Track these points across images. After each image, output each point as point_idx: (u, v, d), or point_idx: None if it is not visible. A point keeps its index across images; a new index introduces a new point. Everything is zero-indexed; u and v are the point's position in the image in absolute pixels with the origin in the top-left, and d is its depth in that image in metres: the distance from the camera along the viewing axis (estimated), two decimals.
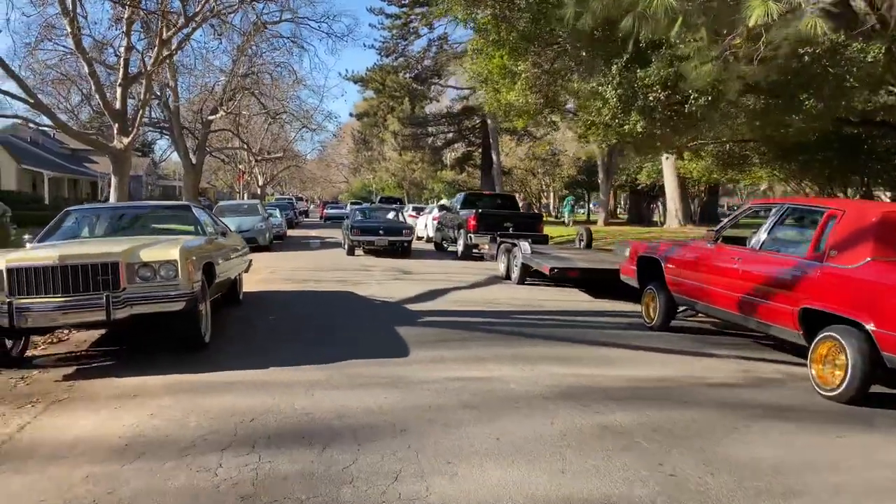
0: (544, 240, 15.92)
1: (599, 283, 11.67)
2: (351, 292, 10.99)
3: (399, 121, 44.76)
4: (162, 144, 69.97)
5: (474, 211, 17.35)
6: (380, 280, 12.71)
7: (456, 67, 35.73)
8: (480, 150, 45.73)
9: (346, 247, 18.27)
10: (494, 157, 39.12)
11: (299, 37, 36.63)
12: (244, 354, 6.49)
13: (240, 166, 53.87)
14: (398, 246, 17.72)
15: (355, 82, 39.39)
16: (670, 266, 7.75)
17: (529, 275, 12.31)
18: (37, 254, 6.05)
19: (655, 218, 49.26)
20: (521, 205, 20.76)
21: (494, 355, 6.40)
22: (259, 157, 43.21)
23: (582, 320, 8.80)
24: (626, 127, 11.86)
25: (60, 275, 5.76)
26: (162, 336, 6.95)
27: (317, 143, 63.31)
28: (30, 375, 5.94)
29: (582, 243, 15.84)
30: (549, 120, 16.56)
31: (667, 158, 30.21)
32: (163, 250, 6.20)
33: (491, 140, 39.59)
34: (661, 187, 39.76)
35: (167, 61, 31.14)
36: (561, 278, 11.08)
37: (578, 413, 4.68)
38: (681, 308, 8.01)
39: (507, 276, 12.98)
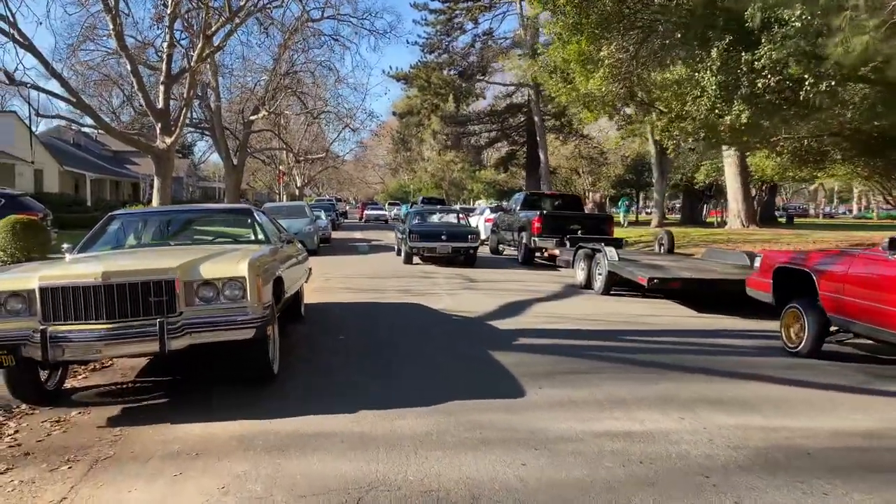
0: (617, 243, 14.58)
1: (698, 294, 10.35)
2: (420, 305, 9.82)
3: (442, 119, 43.66)
4: (202, 146, 70.06)
5: (538, 212, 16.07)
6: (447, 290, 11.52)
7: (504, 61, 34.46)
8: (524, 148, 44.39)
9: (402, 254, 16.37)
10: (542, 156, 37.76)
11: (341, 35, 35.79)
12: (323, 390, 5.33)
13: (280, 167, 53.33)
14: (462, 253, 15.69)
15: (398, 80, 38.37)
16: (827, 280, 6.38)
17: (615, 284, 11.01)
18: (76, 269, 4.97)
19: (710, 219, 47.39)
20: (589, 205, 19.31)
21: (634, 396, 5.14)
22: (301, 158, 42.41)
23: (704, 343, 7.46)
24: (726, 118, 10.48)
25: (105, 295, 4.66)
26: (221, 362, 5.84)
27: (355, 143, 62.54)
28: (68, 417, 4.86)
29: (663, 247, 14.45)
30: (623, 113, 15.12)
31: (728, 156, 28.61)
32: (227, 264, 5.07)
33: (538, 138, 38.24)
34: (717, 187, 38.01)
35: (210, 59, 30.62)
36: (659, 290, 9.76)
37: (808, 499, 3.40)
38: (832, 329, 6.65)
39: (588, 286, 11.69)
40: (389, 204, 66.30)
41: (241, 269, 4.95)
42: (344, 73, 71.96)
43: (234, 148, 35.37)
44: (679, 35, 10.67)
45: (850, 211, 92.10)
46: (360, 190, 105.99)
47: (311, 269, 9.41)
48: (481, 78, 39.02)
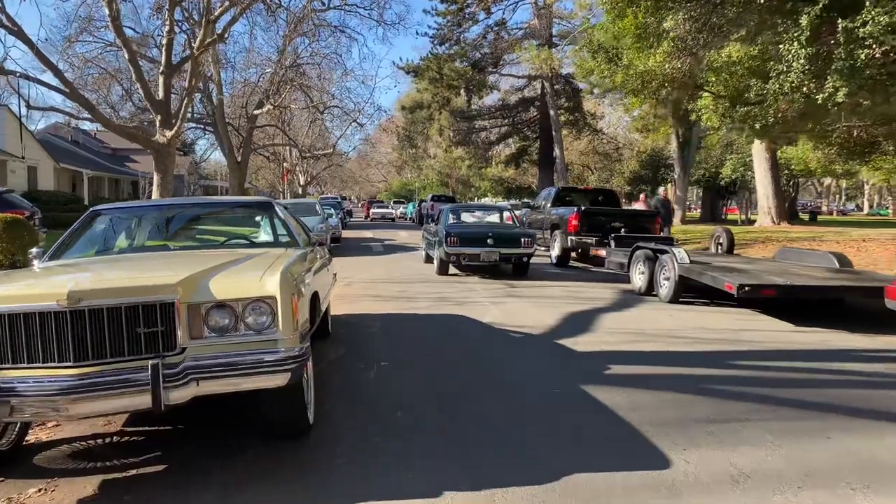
0: (670, 243, 13.07)
1: (783, 303, 8.88)
2: (463, 316, 8.32)
3: (451, 114, 42.16)
4: (203, 144, 68.58)
5: (575, 209, 14.57)
6: (487, 297, 10.03)
7: (520, 52, 32.92)
8: (536, 144, 42.87)
9: (433, 261, 13.13)
10: (557, 151, 36.27)
11: (347, 26, 34.31)
12: (379, 453, 3.84)
13: (284, 164, 51.83)
14: (513, 261, 12.47)
15: (408, 72, 36.79)
16: None
17: (685, 291, 9.52)
18: (34, 287, 3.49)
19: (730, 216, 45.89)
20: (640, 202, 17.67)
21: (819, 462, 3.65)
22: (306, 154, 40.91)
23: (847, 371, 5.95)
24: (818, 97, 8.98)
25: (73, 326, 3.19)
26: (238, 402, 4.37)
27: (359, 140, 60.95)
28: (23, 499, 3.38)
29: (721, 247, 12.94)
30: (670, 97, 13.59)
31: (757, 149, 27.11)
32: (250, 279, 3.58)
33: (553, 132, 36.76)
34: (742, 183, 36.49)
35: (213, 49, 29.14)
36: (749, 298, 8.26)
37: None
38: None
39: (649, 292, 10.20)
40: (394, 202, 64.80)
41: (271, 286, 3.47)
42: (351, 65, 70.15)
43: (238, 144, 33.94)
44: (762, 1, 9.15)
45: (860, 208, 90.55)
46: (363, 188, 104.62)
47: (335, 275, 7.92)
48: (493, 70, 37.47)
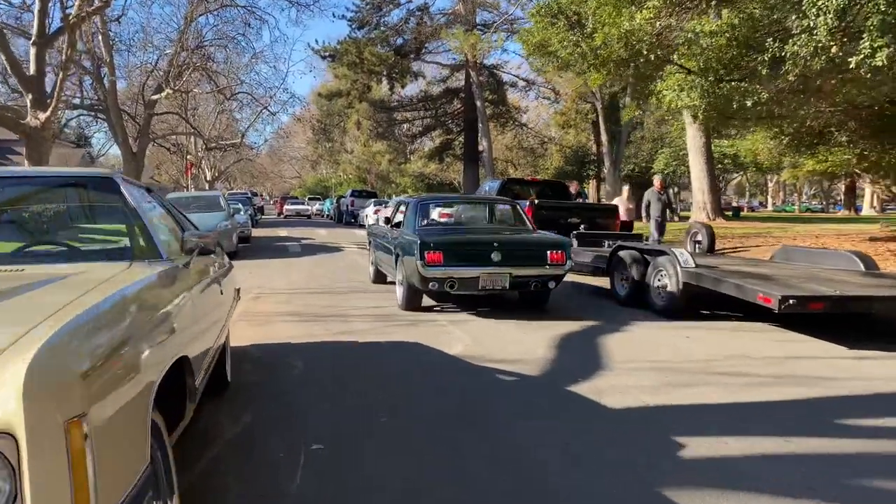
0: (637, 240, 11.25)
1: (810, 318, 7.08)
2: (423, 346, 6.07)
3: (371, 105, 39.61)
4: (101, 138, 63.24)
5: (527, 203, 12.56)
6: (445, 313, 7.82)
7: (448, 37, 30.75)
8: (461, 137, 40.91)
9: (398, 289, 8.14)
10: (485, 144, 34.40)
11: (257, 6, 31.26)
12: None
13: (188, 157, 47.84)
14: (534, 287, 7.58)
15: (325, 56, 33.91)
16: None
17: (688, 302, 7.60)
18: None
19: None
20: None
21: None
22: (212, 145, 37.47)
23: None
24: (851, 60, 7.23)
25: None
26: None
27: (271, 134, 57.54)
28: None
29: (699, 246, 11.21)
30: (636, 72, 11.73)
31: (693, 141, 26.03)
32: None
33: (479, 124, 34.86)
34: (671, 178, 35.71)
35: (102, 23, 25.67)
36: (791, 313, 6.35)
37: None
38: None
39: (634, 302, 8.25)
40: (309, 199, 61.68)
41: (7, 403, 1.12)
42: (261, 46, 65.82)
43: (135, 134, 30.42)
44: None
45: (763, 204, 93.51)
46: (276, 185, 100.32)
47: (238, 291, 5.52)
48: (417, 57, 35.16)
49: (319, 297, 9.24)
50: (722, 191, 35.30)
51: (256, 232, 25.45)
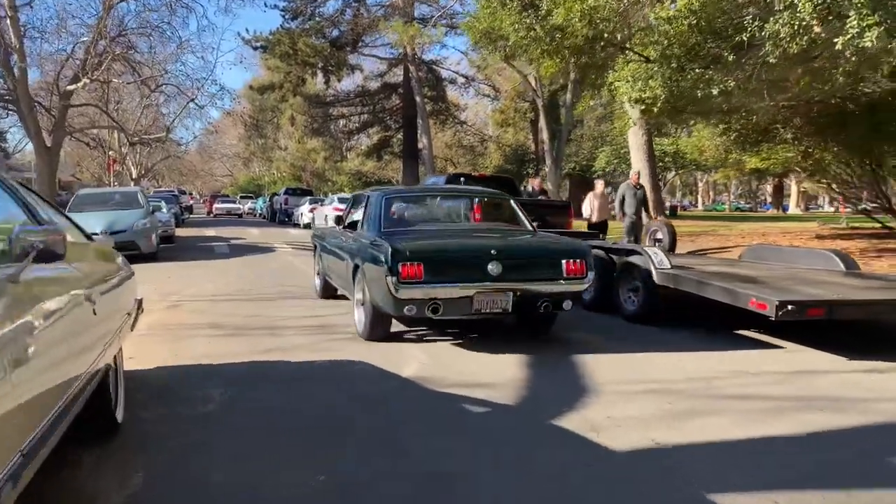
0: (596, 238, 10.49)
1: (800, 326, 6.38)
2: (372, 367, 5.06)
3: (306, 99, 38.12)
4: (17, 132, 59.39)
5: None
6: (393, 326, 6.81)
7: (385, 29, 29.60)
8: (400, 134, 39.88)
9: (357, 312, 6.15)
10: (425, 141, 33.46)
11: None
12: None
13: (110, 153, 45.18)
14: (544, 307, 5.56)
15: (256, 47, 32.25)
16: None
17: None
18: None
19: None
20: (532, 190, 15.08)
21: None
22: (135, 140, 35.30)
23: None
24: (839, 40, 6.57)
25: None
26: None
27: (200, 130, 55.05)
28: None
29: (660, 245, 10.52)
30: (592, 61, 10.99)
31: (635, 139, 25.77)
32: None
33: (420, 120, 33.90)
34: (610, 177, 35.50)
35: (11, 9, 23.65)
36: (788, 320, 5.60)
37: None
38: None
39: (599, 307, 7.44)
40: (241, 197, 59.51)
41: None
42: (187, 35, 62.44)
43: (50, 127, 28.23)
44: None
45: (694, 204, 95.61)
46: (207, 183, 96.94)
47: (140, 303, 4.39)
48: (354, 50, 33.89)
49: (247, 305, 8.10)
50: (662, 189, 35.31)
51: (182, 231, 23.84)
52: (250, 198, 58.99)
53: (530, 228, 6.63)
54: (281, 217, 32.96)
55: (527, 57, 12.38)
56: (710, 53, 9.54)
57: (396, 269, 5.19)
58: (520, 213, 6.82)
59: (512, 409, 4.05)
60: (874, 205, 20.30)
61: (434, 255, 5.47)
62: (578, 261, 5.63)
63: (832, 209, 58.59)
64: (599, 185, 12.95)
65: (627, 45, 10.88)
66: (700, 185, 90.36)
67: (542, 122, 32.11)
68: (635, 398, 4.22)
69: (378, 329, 5.88)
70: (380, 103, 39.68)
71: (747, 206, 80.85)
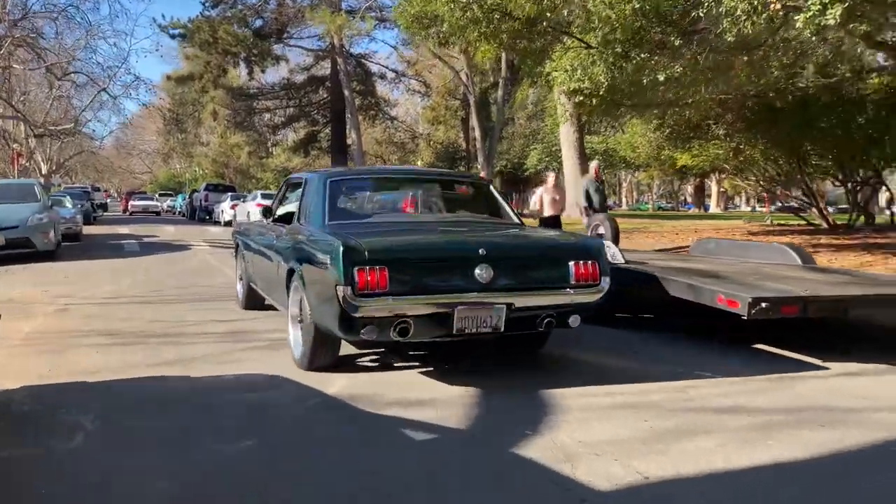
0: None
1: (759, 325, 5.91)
2: (288, 380, 4.25)
3: (228, 92, 36.47)
4: None
5: (410, 194, 10.88)
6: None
7: (313, 17, 28.40)
8: (328, 129, 38.70)
9: (294, 333, 4.70)
10: (354, 136, 32.44)
11: None
12: None
13: (15, 146, 42.17)
14: (545, 324, 4.24)
15: (173, 36, 30.50)
16: None
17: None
18: None
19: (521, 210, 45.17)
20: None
21: None
22: (39, 131, 32.91)
23: None
24: (798, 18, 6.13)
25: None
26: None
27: (120, 121, 52.26)
28: None
29: (602, 240, 9.99)
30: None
31: (566, 136, 25.61)
32: None
33: (349, 115, 32.87)
34: (542, 174, 35.38)
35: None
36: (759, 319, 5.08)
37: None
38: None
39: None
40: (161, 194, 56.93)
41: None
42: (97, 19, 58.67)
43: None
44: None
45: (618, 203, 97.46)
46: (125, 180, 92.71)
47: None
48: (279, 41, 32.52)
49: (151, 308, 7.10)
50: None
51: (92, 229, 22.18)
52: (170, 195, 56.54)
53: (516, 221, 5.40)
54: (201, 214, 31.38)
55: (463, 40, 11.70)
56: (655, 39, 9.10)
57: (351, 276, 3.78)
58: (502, 202, 5.69)
59: (463, 435, 3.33)
60: (800, 202, 20.69)
61: (402, 255, 4.10)
62: (590, 262, 4.35)
63: (749, 208, 60.61)
64: (551, 177, 12.07)
65: (567, 31, 10.35)
66: (624, 184, 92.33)
67: (473, 120, 31.63)
68: (607, 416, 3.56)
69: (322, 355, 4.44)
70: (306, 97, 38.42)
71: (669, 205, 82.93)
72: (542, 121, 31.68)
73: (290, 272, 4.75)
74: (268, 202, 21.92)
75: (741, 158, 18.42)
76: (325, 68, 38.40)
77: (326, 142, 39.48)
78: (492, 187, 5.89)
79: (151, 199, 48.62)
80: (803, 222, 21.15)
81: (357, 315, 3.86)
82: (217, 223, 27.48)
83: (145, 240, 17.62)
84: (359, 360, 4.78)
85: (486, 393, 3.97)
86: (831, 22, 6.05)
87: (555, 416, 3.53)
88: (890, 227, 17.49)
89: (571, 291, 4.31)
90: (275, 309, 5.82)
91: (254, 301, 6.75)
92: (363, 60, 37.50)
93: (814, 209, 19.29)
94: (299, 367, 4.50)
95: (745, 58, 9.02)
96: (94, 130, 43.15)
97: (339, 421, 3.55)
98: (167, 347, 5.21)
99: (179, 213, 41.43)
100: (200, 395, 4.01)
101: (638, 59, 8.84)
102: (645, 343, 5.53)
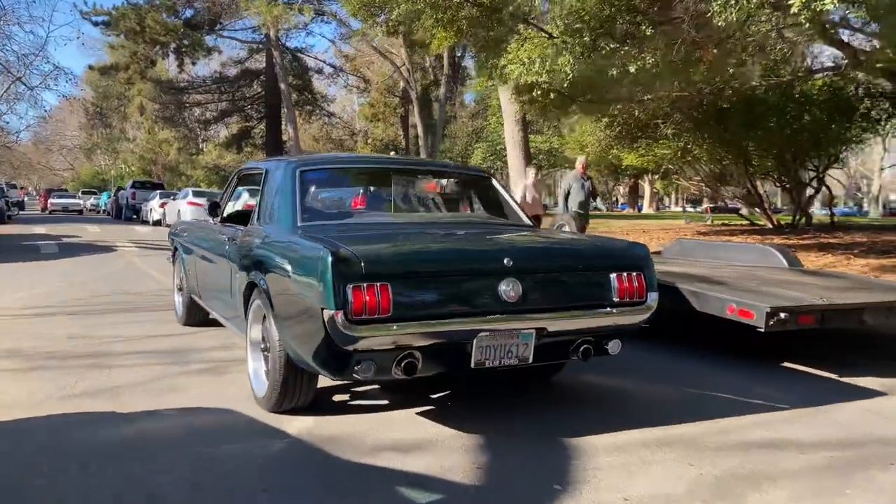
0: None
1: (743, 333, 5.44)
2: (243, 419, 3.47)
3: (156, 84, 34.69)
4: None
5: (361, 191, 10.12)
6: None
7: (246, 4, 27.09)
8: (263, 125, 37.36)
9: (268, 374, 3.60)
10: (291, 131, 31.26)
11: None
12: None
13: None
14: (583, 352, 3.43)
15: (96, 23, 28.59)
16: None
17: None
18: None
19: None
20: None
21: None
22: None
23: None
24: (792, 2, 5.68)
25: None
26: None
27: (39, 115, 49.23)
28: None
29: None
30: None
31: (511, 134, 25.24)
32: None
33: (285, 109, 31.70)
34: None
35: None
36: (776, 331, 4.57)
37: None
38: None
39: None
40: (84, 192, 54.19)
41: None
42: (11, 3, 55.05)
43: None
44: None
45: (556, 203, 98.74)
46: (45, 178, 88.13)
47: None
48: (211, 32, 31.01)
49: (69, 321, 6.13)
50: None
51: (5, 229, 20.51)
52: (93, 193, 53.93)
53: (527, 221, 4.54)
54: (127, 213, 29.68)
55: (418, 28, 10.98)
56: (624, 29, 8.62)
57: (344, 297, 2.88)
58: (508, 198, 4.82)
59: (478, 495, 2.64)
60: (742, 202, 20.81)
61: (409, 268, 3.16)
62: (635, 274, 3.54)
63: (679, 209, 61.90)
64: (531, 172, 11.07)
65: (529, 20, 9.79)
66: (559, 185, 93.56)
67: (416, 117, 30.96)
68: (645, 461, 2.93)
69: (293, 395, 3.50)
70: (240, 91, 36.98)
71: (604, 205, 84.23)
72: (485, 119, 31.21)
73: (251, 287, 3.81)
74: (200, 200, 20.75)
75: (688, 158, 18.34)
76: (259, 62, 37.06)
77: (260, 138, 38.11)
78: (494, 180, 4.96)
79: (73, 196, 45.98)
80: (745, 222, 21.35)
81: (350, 348, 2.95)
82: (145, 222, 25.98)
83: (65, 240, 16.22)
84: (331, 385, 4.02)
85: (496, 433, 3.27)
86: (830, 6, 5.62)
87: (584, 464, 2.87)
88: (832, 227, 17.69)
89: (614, 311, 3.46)
90: (221, 324, 4.98)
91: (196, 315, 5.79)
92: (300, 54, 36.36)
93: (756, 209, 19.45)
94: (263, 407, 3.62)
95: (716, 50, 8.64)
96: (8, 123, 40.17)
97: (313, 475, 2.80)
98: (91, 373, 4.33)
99: (104, 211, 39.37)
100: (133, 441, 3.19)
101: (606, 49, 8.34)
102: (651, 359, 4.95)
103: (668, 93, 12.84)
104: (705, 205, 32.82)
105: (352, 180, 5.19)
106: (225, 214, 5.07)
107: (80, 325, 5.87)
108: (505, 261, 3.23)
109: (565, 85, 9.37)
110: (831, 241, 13.64)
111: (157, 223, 24.24)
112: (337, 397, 3.87)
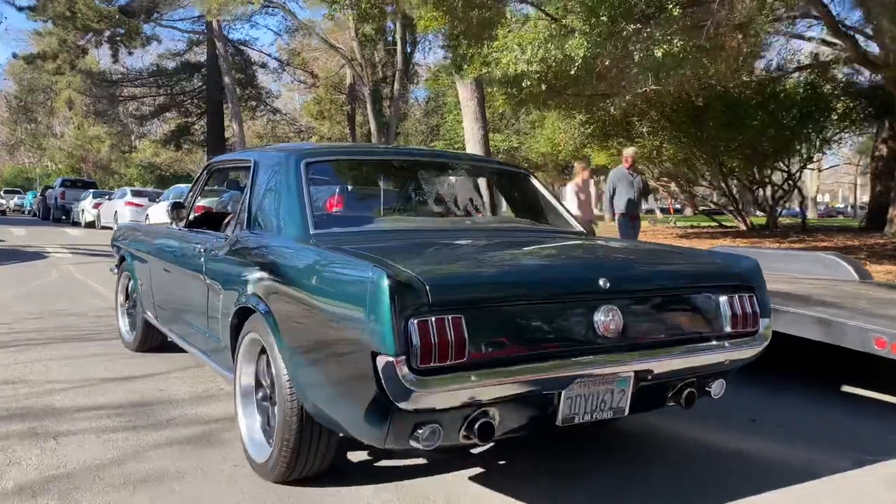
0: None
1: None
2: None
3: (87, 76, 32.39)
4: None
5: (336, 189, 8.93)
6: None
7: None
8: (203, 121, 35.41)
9: (261, 434, 2.75)
10: (236, 127, 29.45)
11: None
12: None
13: None
14: (685, 397, 2.62)
15: (21, 8, 26.15)
16: None
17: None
18: None
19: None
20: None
21: None
22: None
23: None
24: None
25: None
26: None
27: None
28: None
29: None
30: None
31: (470, 132, 24.33)
32: None
33: (230, 104, 29.87)
34: None
35: None
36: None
37: None
38: None
39: None
40: (6, 191, 50.95)
41: None
42: None
43: None
44: None
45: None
46: None
47: None
48: (148, 21, 28.97)
49: None
50: None
51: None
52: (17, 192, 50.74)
53: (579, 228, 3.61)
54: (56, 214, 27.54)
55: (405, 4, 9.84)
56: (642, 10, 7.69)
57: (406, 336, 1.99)
58: (554, 201, 3.87)
59: None
60: (714, 204, 20.41)
61: (489, 294, 2.23)
62: (747, 297, 2.69)
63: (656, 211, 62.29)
64: (582, 169, 9.11)
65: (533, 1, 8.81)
66: None
67: (368, 113, 29.66)
68: None
69: (309, 460, 2.54)
70: (179, 84, 34.91)
71: (657, 206, 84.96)
72: (441, 117, 30.20)
73: (243, 313, 2.81)
74: (140, 200, 18.98)
75: (663, 158, 17.74)
76: (199, 54, 35.13)
77: (201, 134, 36.15)
78: (534, 178, 3.96)
79: None
80: (714, 224, 20.96)
81: (411, 407, 2.03)
82: (76, 224, 23.99)
83: None
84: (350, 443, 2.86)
85: None
86: None
87: None
88: (807, 228, 17.37)
89: (726, 345, 2.62)
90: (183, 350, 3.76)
91: (149, 340, 4.73)
92: (243, 47, 34.60)
93: (727, 210, 19.06)
94: (265, 477, 2.63)
95: (741, 36, 7.82)
96: None
97: None
98: (22, 446, 3.05)
99: (30, 212, 36.79)
100: None
101: (628, 30, 7.39)
102: (739, 396, 3.95)
103: (646, 90, 11.99)
104: (668, 204, 32.55)
105: (368, 175, 4.10)
106: (190, 217, 4.10)
107: (6, 364, 4.51)
108: (601, 282, 2.37)
109: (572, 73, 8.39)
110: (817, 244, 13.14)
111: (91, 225, 22.43)
112: (354, 455, 2.72)
